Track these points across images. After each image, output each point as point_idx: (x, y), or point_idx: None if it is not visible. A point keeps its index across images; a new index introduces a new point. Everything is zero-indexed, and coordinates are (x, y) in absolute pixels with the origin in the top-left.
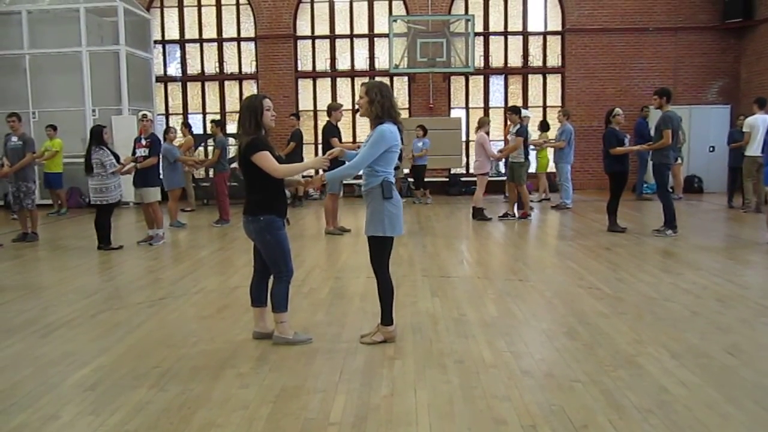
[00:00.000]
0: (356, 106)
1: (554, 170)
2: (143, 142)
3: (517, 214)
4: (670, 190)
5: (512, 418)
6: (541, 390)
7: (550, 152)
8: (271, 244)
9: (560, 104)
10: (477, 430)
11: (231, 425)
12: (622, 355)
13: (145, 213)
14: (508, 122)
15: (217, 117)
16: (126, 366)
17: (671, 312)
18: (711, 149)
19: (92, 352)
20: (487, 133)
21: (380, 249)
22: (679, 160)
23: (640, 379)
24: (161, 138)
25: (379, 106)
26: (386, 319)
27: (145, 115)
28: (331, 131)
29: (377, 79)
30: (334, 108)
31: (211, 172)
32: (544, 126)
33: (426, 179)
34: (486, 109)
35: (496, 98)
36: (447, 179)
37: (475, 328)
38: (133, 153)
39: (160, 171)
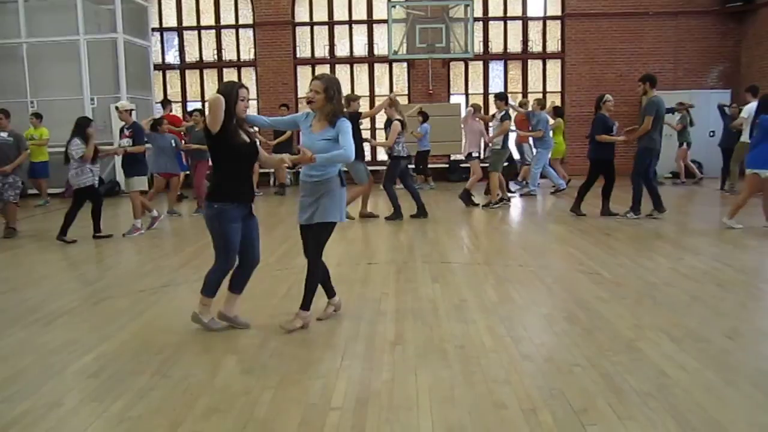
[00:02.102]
0: (306, 100)
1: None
2: (126, 132)
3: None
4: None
5: (512, 402)
6: (541, 374)
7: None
8: (217, 233)
9: (560, 90)
10: (477, 414)
11: (233, 411)
12: (621, 340)
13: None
14: (496, 109)
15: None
16: (128, 353)
17: (671, 297)
18: (711, 134)
19: (94, 339)
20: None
21: (328, 235)
22: (684, 145)
23: (639, 363)
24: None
25: (337, 103)
26: (307, 304)
27: (130, 110)
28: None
29: (376, 65)
30: (352, 99)
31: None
32: (558, 111)
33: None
34: (486, 94)
35: (496, 84)
36: (447, 165)
37: (476, 313)
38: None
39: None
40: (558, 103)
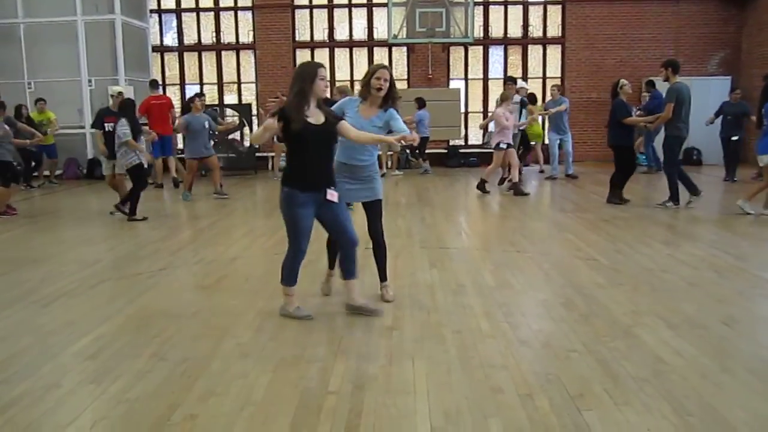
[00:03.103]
0: (377, 87)
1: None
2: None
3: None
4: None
5: (509, 387)
6: (538, 359)
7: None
8: (285, 216)
9: (560, 75)
10: (474, 398)
11: (230, 394)
12: (618, 326)
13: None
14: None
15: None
16: (126, 335)
17: (668, 283)
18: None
19: (93, 321)
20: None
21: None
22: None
23: (636, 349)
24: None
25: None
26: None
27: (120, 92)
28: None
29: (376, 49)
30: (342, 91)
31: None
32: (532, 99)
33: (427, 151)
34: (485, 80)
35: (496, 69)
36: (446, 151)
37: (473, 298)
38: (101, 126)
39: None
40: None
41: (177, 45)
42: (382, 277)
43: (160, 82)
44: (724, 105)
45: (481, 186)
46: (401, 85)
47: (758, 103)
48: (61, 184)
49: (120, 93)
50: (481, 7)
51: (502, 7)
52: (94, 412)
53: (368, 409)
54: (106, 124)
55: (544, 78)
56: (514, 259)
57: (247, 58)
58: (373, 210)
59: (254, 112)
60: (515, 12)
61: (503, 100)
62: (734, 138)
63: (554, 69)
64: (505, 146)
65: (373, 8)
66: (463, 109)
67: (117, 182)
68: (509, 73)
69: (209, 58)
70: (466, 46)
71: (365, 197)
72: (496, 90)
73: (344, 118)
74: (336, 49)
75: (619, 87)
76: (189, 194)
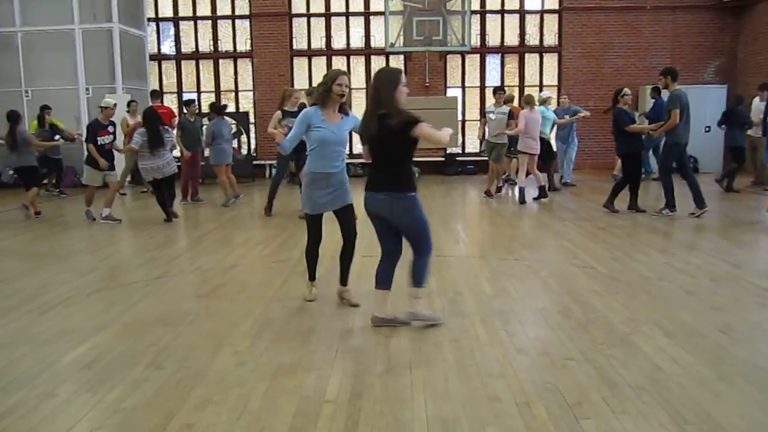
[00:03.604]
0: (339, 94)
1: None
2: (110, 129)
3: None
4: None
5: (506, 396)
6: (536, 368)
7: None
8: (420, 220)
9: (557, 83)
10: (471, 407)
11: (227, 402)
12: (615, 334)
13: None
14: (495, 102)
15: (198, 98)
16: (123, 344)
17: (665, 291)
18: (707, 129)
19: (89, 330)
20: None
21: None
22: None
23: (633, 358)
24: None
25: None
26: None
27: (115, 104)
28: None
29: (373, 58)
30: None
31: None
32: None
33: (421, 159)
34: (482, 88)
35: (493, 77)
36: (443, 159)
37: (471, 306)
38: (94, 141)
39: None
40: (554, 97)
41: (174, 53)
42: (346, 281)
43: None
44: (743, 110)
45: (523, 197)
46: None
47: (764, 111)
48: (60, 194)
49: (115, 105)
50: (478, 15)
51: (499, 15)
52: (90, 421)
53: (365, 418)
54: (99, 138)
55: (541, 86)
56: (511, 267)
57: (245, 67)
58: (348, 214)
59: (252, 120)
60: (512, 20)
61: (527, 103)
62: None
63: (551, 77)
64: (526, 150)
65: (371, 17)
66: (460, 117)
67: (90, 194)
68: (507, 82)
69: (207, 67)
70: (463, 54)
71: (341, 203)
72: (492, 98)
73: (314, 130)
74: (333, 58)
75: (621, 95)
76: (233, 198)
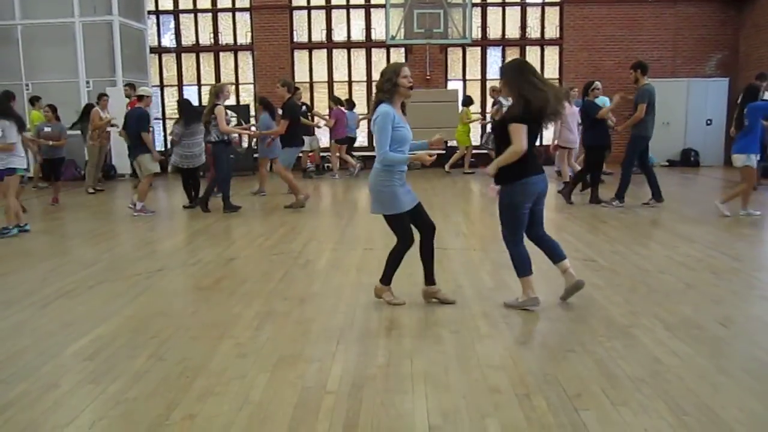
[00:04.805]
0: (410, 86)
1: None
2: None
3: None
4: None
5: (506, 387)
6: (536, 360)
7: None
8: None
9: (558, 77)
10: (472, 398)
11: (229, 393)
12: (616, 326)
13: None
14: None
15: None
16: (124, 336)
17: (665, 284)
18: (708, 122)
19: (91, 322)
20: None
21: None
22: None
23: (633, 350)
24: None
25: None
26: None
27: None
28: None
29: (374, 50)
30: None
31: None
32: (467, 101)
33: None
34: (483, 80)
35: (494, 70)
36: (444, 151)
37: (471, 298)
38: (148, 129)
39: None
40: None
41: (175, 46)
42: (433, 279)
43: (158, 84)
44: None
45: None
46: None
47: (739, 105)
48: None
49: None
50: (479, 8)
51: (500, 8)
52: (92, 412)
53: (366, 409)
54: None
55: None
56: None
57: (245, 59)
58: (423, 208)
59: (252, 113)
60: (513, 13)
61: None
62: None
63: (552, 70)
64: (564, 145)
65: (371, 9)
66: (460, 110)
67: (146, 186)
68: None
69: (207, 59)
70: (464, 47)
71: (415, 197)
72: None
73: (397, 129)
74: (334, 50)
75: (591, 89)
76: (263, 191)
